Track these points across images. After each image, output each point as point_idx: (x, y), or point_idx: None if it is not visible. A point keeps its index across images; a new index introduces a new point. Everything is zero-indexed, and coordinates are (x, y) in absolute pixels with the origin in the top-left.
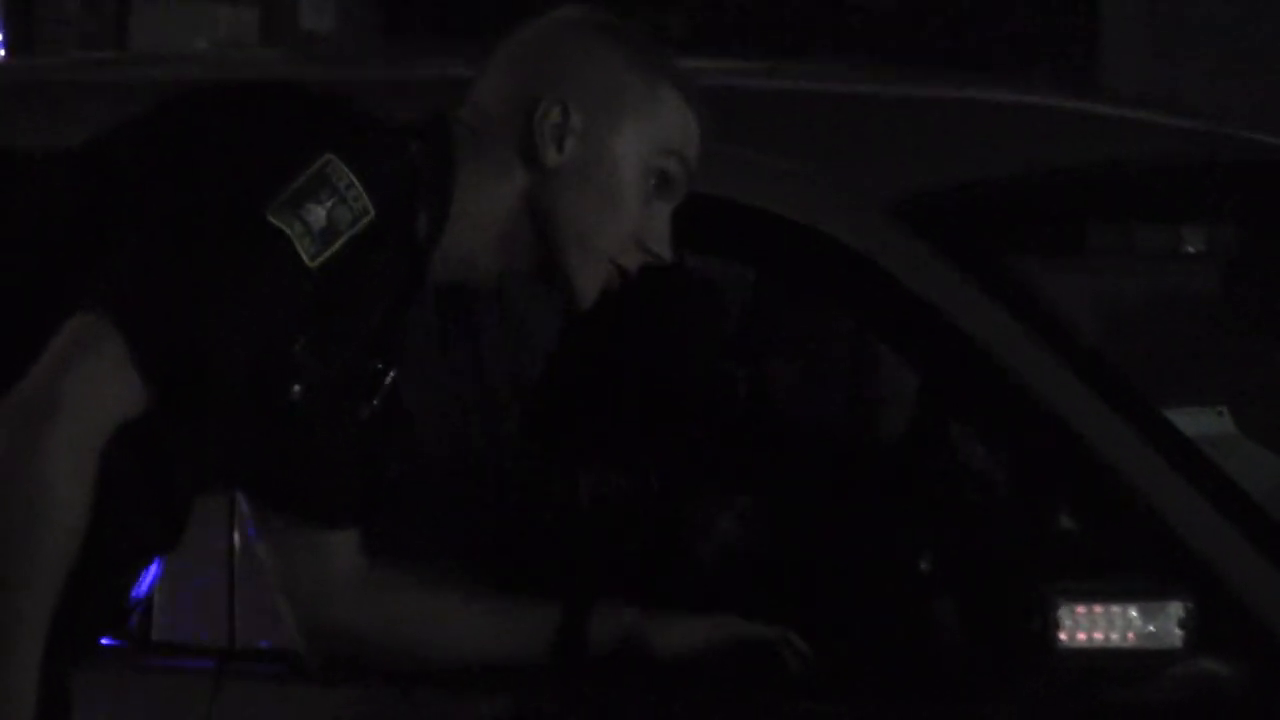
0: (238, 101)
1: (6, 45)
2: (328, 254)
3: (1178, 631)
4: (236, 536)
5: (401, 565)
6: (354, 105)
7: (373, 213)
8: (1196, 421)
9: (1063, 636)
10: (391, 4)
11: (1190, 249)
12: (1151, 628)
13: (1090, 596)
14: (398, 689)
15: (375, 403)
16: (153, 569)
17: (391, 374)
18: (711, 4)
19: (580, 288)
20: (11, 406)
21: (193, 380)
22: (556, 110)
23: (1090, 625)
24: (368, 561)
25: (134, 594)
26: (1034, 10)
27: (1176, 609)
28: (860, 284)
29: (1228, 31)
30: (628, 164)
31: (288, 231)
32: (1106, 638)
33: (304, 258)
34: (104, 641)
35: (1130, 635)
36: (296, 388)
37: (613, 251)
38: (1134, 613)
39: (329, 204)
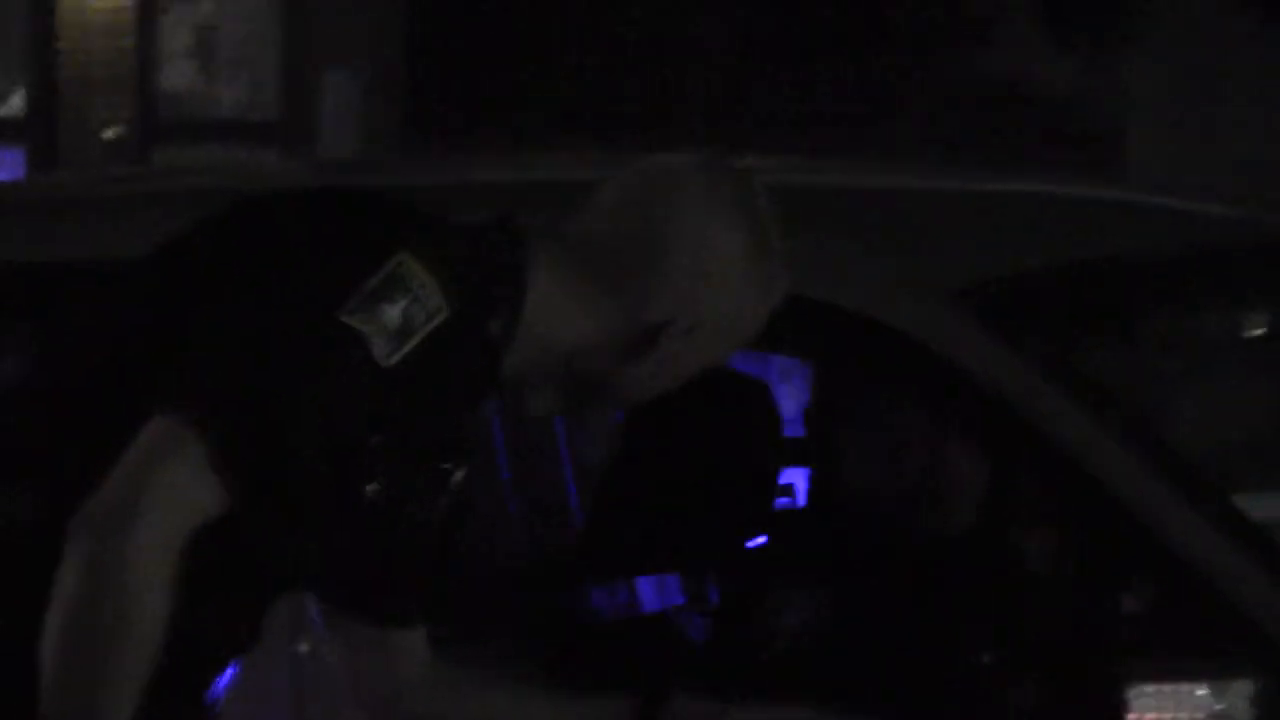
0: (309, 205)
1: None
2: (403, 353)
3: (1248, 709)
4: (305, 639)
5: (471, 664)
6: (423, 208)
7: (446, 310)
8: (1260, 506)
9: (1133, 717)
10: (411, 133)
11: (1252, 333)
12: (1222, 706)
13: (1158, 675)
14: None
15: (444, 501)
16: (227, 673)
17: (461, 474)
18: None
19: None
20: (93, 513)
21: (271, 481)
22: (682, 326)
23: (1159, 704)
24: (436, 662)
25: (209, 698)
26: (1060, 106)
27: (1245, 686)
28: (924, 374)
29: (1252, 127)
30: (708, 358)
31: (362, 331)
32: (1175, 717)
33: (378, 357)
34: None
35: (1200, 715)
36: (371, 486)
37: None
38: (1203, 691)
39: (403, 303)
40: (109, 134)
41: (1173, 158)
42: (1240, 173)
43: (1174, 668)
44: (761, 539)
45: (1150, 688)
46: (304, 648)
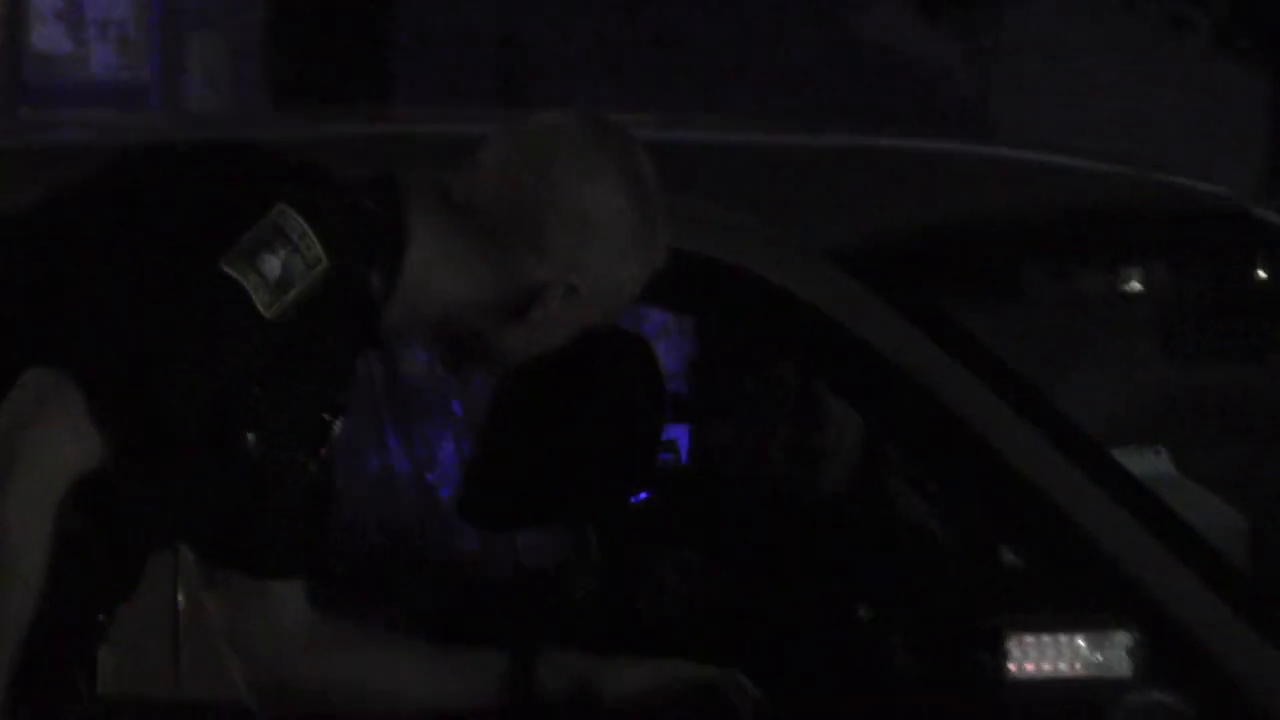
0: (190, 158)
1: None
2: (283, 303)
3: (1127, 661)
4: (182, 590)
5: (348, 619)
6: (303, 159)
7: (326, 261)
8: (1136, 462)
9: (1012, 667)
10: (280, 83)
11: (1127, 290)
12: (1100, 657)
13: (1037, 627)
14: None
15: (324, 452)
16: (104, 626)
17: (339, 425)
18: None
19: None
20: None
21: (150, 433)
22: (562, 288)
23: (1039, 655)
24: (315, 614)
25: (86, 651)
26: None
27: (1124, 638)
28: (801, 330)
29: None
30: (590, 319)
31: (243, 282)
32: (1055, 668)
33: (259, 307)
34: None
35: (1079, 665)
36: (250, 436)
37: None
38: (1082, 642)
39: (283, 254)
40: None
41: (1038, 126)
42: (1103, 140)
43: (1052, 619)
44: (643, 495)
45: (1029, 638)
46: (181, 599)
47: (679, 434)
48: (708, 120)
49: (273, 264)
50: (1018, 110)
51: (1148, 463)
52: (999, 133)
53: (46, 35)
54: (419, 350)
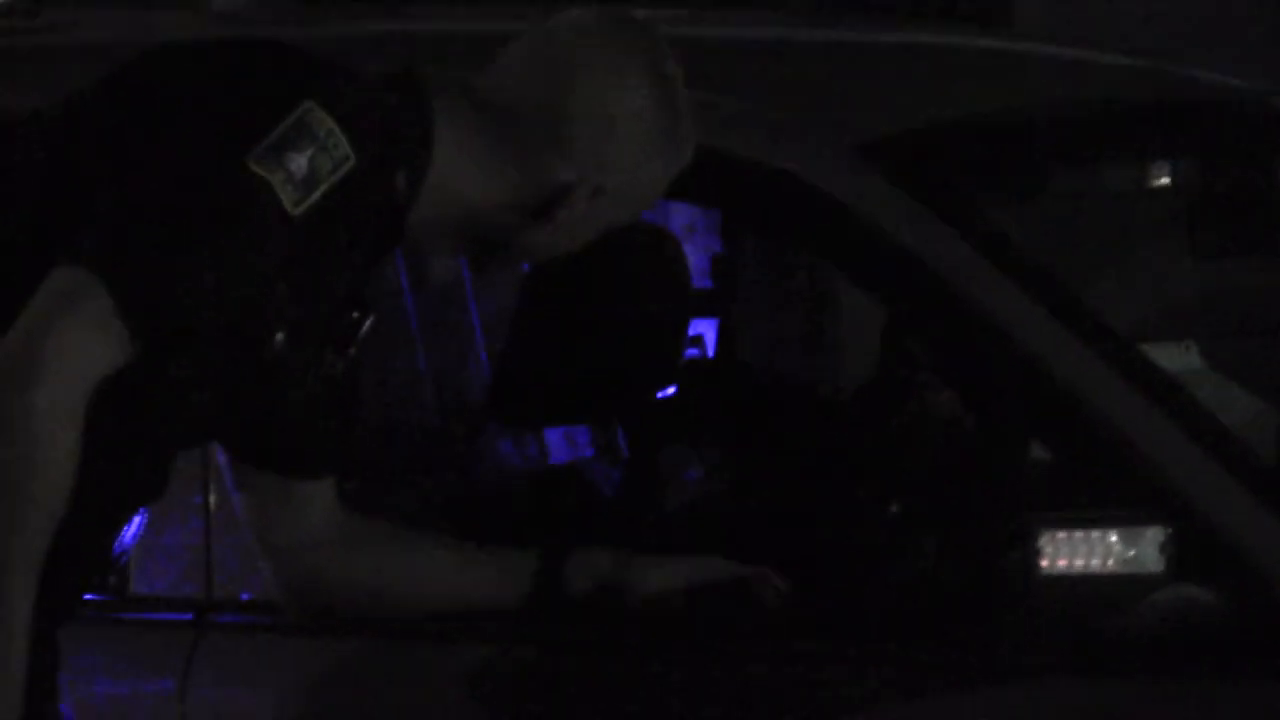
0: (215, 55)
1: None
2: (310, 201)
3: (1158, 556)
4: (213, 490)
5: (378, 518)
6: (329, 57)
7: (353, 159)
8: (1164, 357)
9: (1044, 564)
10: None
11: (1153, 185)
12: (1132, 553)
13: (1070, 523)
14: (377, 639)
15: (352, 351)
16: (134, 523)
17: (368, 323)
18: None
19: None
20: None
21: (177, 330)
22: (588, 187)
23: (1071, 551)
24: (344, 514)
25: (116, 548)
26: None
27: (1156, 534)
28: (828, 225)
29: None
30: (616, 217)
31: (269, 179)
32: (1087, 564)
33: (286, 205)
34: (86, 596)
35: (1110, 561)
36: (279, 335)
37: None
38: (1114, 538)
39: (310, 151)
40: None
41: (1062, 22)
42: (1128, 37)
43: (1083, 515)
44: (670, 391)
45: (1061, 534)
46: (212, 499)
47: (706, 329)
48: (735, 16)
49: (299, 162)
50: (1042, 5)
51: (1176, 357)
52: (1023, 27)
53: None
54: (444, 249)
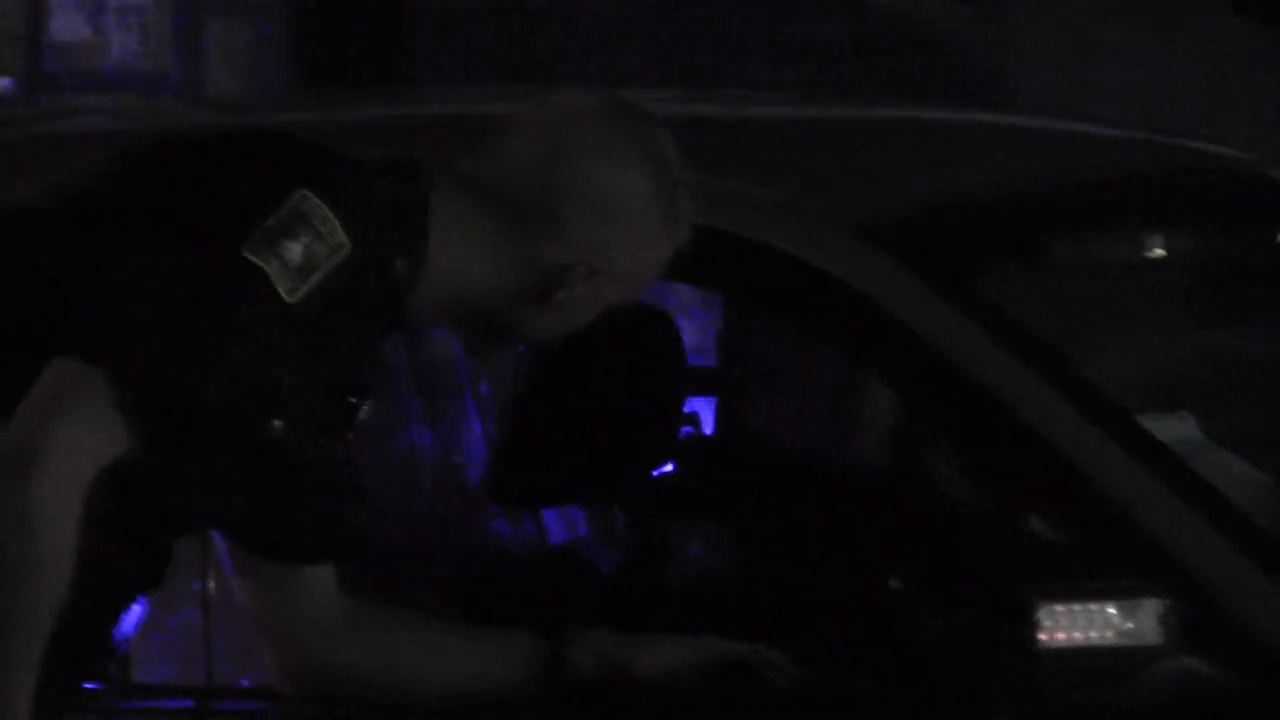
0: (209, 145)
1: None
2: (306, 289)
3: (1158, 628)
4: (212, 577)
5: (379, 602)
6: (324, 143)
7: (349, 246)
8: (1163, 428)
9: (1042, 637)
10: (304, 73)
11: (1149, 256)
12: (1131, 625)
13: (1067, 596)
14: None
15: (351, 436)
16: (134, 611)
17: (366, 409)
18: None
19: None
20: None
21: (176, 420)
22: (585, 271)
23: (1070, 624)
24: (344, 597)
25: (116, 636)
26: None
27: (1155, 606)
28: (828, 305)
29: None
30: (613, 299)
31: (264, 268)
32: (1086, 637)
33: (282, 293)
34: (86, 684)
35: (1109, 633)
36: (277, 423)
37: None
38: (1112, 610)
39: (305, 239)
40: None
41: (1057, 95)
42: (1123, 108)
43: (1083, 588)
44: (667, 469)
45: (1060, 608)
46: (212, 586)
47: (702, 407)
48: (731, 95)
49: (294, 250)
50: (1036, 79)
51: (1174, 429)
52: (1018, 102)
53: (65, 23)
54: (443, 332)
